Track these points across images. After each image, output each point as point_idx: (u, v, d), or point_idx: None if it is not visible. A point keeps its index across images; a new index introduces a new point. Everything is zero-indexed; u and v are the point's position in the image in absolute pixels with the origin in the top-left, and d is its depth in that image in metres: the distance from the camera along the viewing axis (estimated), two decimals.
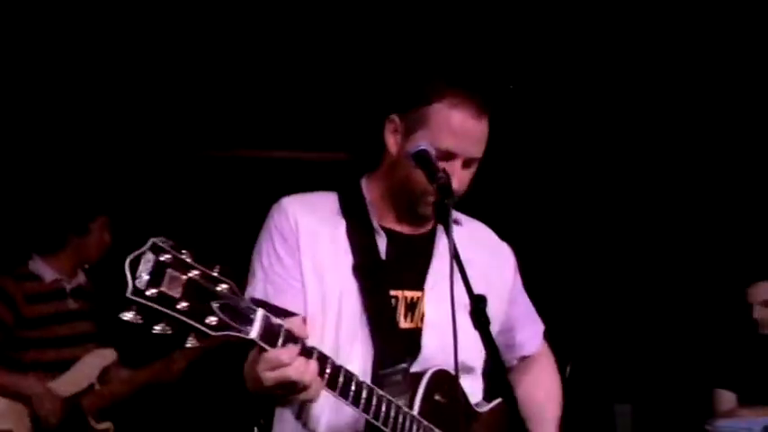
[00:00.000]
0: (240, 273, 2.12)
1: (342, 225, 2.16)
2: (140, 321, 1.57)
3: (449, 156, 2.06)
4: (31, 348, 3.84)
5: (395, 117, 2.14)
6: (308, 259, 2.10)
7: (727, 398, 4.11)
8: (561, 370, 2.57)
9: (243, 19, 4.42)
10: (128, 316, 1.56)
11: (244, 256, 2.23)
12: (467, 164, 2.10)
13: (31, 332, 3.84)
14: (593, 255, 5.46)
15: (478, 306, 1.76)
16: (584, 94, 5.06)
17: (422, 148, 2.02)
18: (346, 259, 2.12)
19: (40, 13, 4.21)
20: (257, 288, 2.10)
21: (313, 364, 1.75)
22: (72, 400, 3.84)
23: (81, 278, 4.12)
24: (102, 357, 3.97)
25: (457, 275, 1.84)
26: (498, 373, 1.82)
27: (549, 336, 2.55)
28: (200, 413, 5.01)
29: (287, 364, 1.70)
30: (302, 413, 2.08)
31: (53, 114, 4.89)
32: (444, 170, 1.99)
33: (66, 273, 4.05)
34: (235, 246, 2.34)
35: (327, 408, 2.03)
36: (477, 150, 2.11)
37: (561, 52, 4.75)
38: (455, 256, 1.85)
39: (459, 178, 2.07)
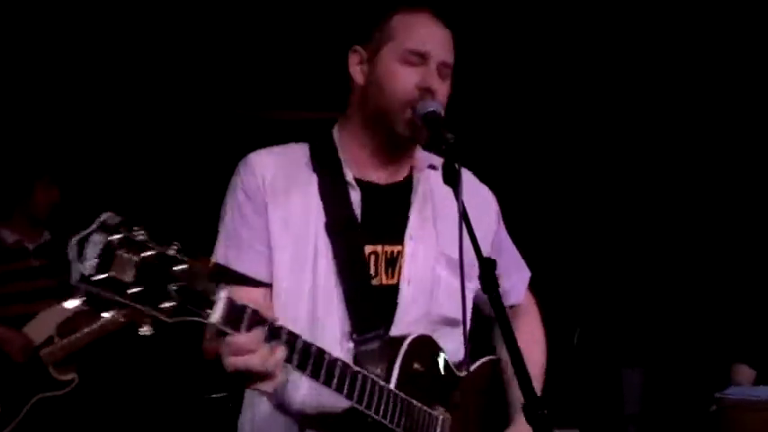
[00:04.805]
0: None
1: (313, 180, 2.04)
2: (86, 308, 1.42)
3: (421, 58, 2.00)
4: None
5: (357, 47, 2.08)
6: (276, 218, 1.97)
7: (745, 374, 3.85)
8: (570, 335, 2.46)
9: None
10: (73, 303, 1.42)
11: None
12: (441, 74, 2.02)
13: None
14: (610, 215, 5.23)
15: (487, 270, 1.69)
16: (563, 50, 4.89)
17: (431, 109, 1.94)
18: (319, 217, 2.00)
19: None
20: (219, 252, 1.99)
21: (279, 352, 1.64)
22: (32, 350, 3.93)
23: (46, 236, 4.22)
24: (59, 312, 4.00)
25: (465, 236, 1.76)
26: (508, 341, 1.68)
27: (557, 299, 2.45)
28: (171, 368, 5.00)
29: (251, 350, 1.59)
30: (278, 393, 1.95)
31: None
32: (452, 134, 1.90)
33: (26, 234, 4.15)
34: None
35: (305, 386, 1.92)
36: (446, 54, 2.05)
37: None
38: (464, 217, 1.76)
39: (439, 88, 2.02)
